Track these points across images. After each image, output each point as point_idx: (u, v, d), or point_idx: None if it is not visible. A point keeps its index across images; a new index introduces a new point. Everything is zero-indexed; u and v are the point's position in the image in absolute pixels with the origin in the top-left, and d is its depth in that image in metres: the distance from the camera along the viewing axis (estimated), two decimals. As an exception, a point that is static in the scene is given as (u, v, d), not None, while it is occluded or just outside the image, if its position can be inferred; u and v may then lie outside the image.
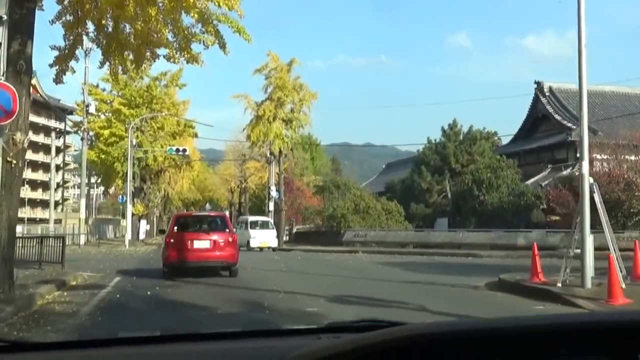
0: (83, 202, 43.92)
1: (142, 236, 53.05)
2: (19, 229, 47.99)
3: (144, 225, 53.12)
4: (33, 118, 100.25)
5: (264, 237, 38.81)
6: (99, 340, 2.35)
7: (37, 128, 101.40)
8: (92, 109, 43.11)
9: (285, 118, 44.23)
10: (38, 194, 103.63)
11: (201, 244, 17.40)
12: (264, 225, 40.31)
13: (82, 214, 43.54)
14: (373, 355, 1.51)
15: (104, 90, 47.07)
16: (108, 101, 46.62)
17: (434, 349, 1.53)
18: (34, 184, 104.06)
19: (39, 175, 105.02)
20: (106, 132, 45.10)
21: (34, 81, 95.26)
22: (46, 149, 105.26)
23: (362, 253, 35.16)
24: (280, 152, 44.70)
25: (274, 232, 39.77)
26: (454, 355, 1.54)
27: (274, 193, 48.16)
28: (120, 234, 60.80)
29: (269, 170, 49.56)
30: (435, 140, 47.66)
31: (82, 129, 43.35)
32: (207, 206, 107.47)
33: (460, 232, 36.17)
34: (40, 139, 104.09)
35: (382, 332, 1.63)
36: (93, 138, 47.06)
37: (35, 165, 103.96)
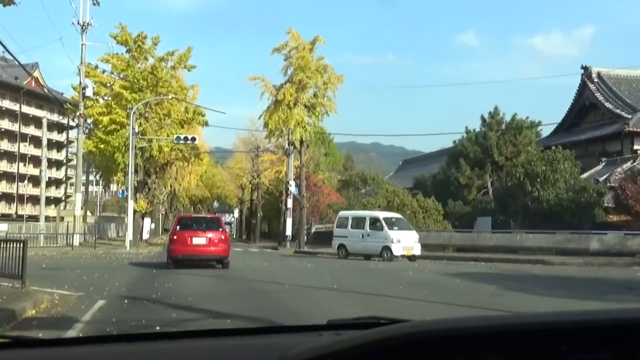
0: (79, 197, 37.97)
1: (145, 236, 47.07)
2: (4, 227, 42.42)
3: (147, 224, 47.12)
4: (35, 112, 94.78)
5: (408, 241, 27.05)
6: (102, 337, 2.29)
7: (39, 122, 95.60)
8: (89, 92, 37.12)
9: (308, 103, 38.24)
10: (38, 191, 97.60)
11: (199, 240, 20.09)
12: (401, 224, 28.42)
13: (78, 210, 37.60)
14: (374, 352, 1.46)
15: (103, 72, 41.09)
16: (108, 84, 40.61)
17: (435, 346, 1.48)
18: (36, 180, 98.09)
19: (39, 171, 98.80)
20: (105, 119, 39.07)
21: (36, 73, 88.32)
22: (49, 144, 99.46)
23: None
24: (301, 141, 38.68)
25: (415, 233, 28.05)
26: (455, 352, 1.49)
27: (292, 188, 42.15)
28: (123, 233, 54.84)
29: (287, 162, 43.50)
30: (474, 130, 41.55)
31: (78, 114, 37.44)
32: (215, 204, 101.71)
33: (518, 234, 30.17)
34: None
35: (384, 329, 1.61)
36: (91, 126, 41.12)
37: (37, 161, 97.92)
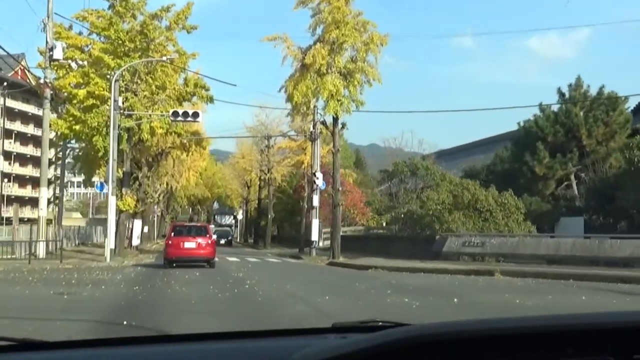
0: (44, 192, 27.90)
1: (135, 241, 37.00)
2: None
3: (138, 227, 37.02)
4: (21, 107, 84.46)
5: None
6: (107, 339, 2.25)
7: (26, 117, 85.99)
8: (57, 54, 27.05)
9: (344, 69, 28.23)
10: (27, 191, 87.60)
11: (190, 244, 22.81)
12: None
13: (43, 210, 27.50)
14: (379, 356, 1.42)
15: (80, 33, 31.05)
16: (85, 47, 30.51)
17: (440, 349, 1.43)
18: (22, 180, 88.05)
19: (28, 171, 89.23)
20: (81, 93, 29.02)
21: (22, 63, 77.23)
22: (36, 140, 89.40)
23: (502, 275, 19.32)
24: (335, 119, 28.62)
25: None
26: (460, 356, 1.44)
27: (319, 182, 32.22)
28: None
29: (312, 149, 33.47)
30: (549, 106, 31.53)
31: (42, 81, 27.47)
32: (215, 205, 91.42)
33: (666, 240, 20.27)
34: (30, 129, 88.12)
35: (388, 332, 1.55)
36: (65, 103, 31.09)
37: (23, 159, 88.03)
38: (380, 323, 2.26)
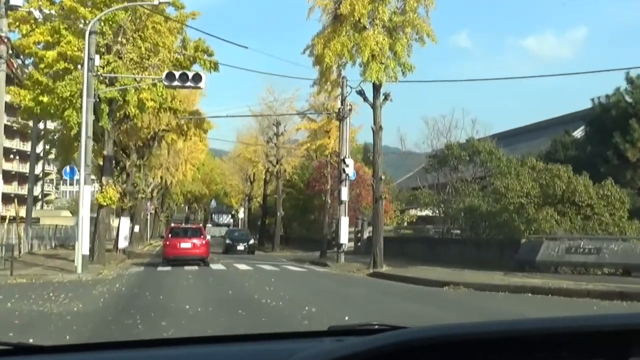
0: (-2, 181, 20.71)
1: (123, 243, 29.81)
2: None
3: (126, 226, 29.82)
4: (6, 97, 77.27)
5: None
6: (104, 343, 2.15)
7: (12, 109, 78.30)
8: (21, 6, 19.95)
9: (388, 23, 21.19)
10: (12, 188, 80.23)
11: (185, 244, 24.27)
12: None
13: (-3, 203, 20.34)
14: (375, 359, 1.40)
15: (49, -19, 23.88)
16: (54, -3, 23.36)
17: (435, 352, 1.40)
18: (7, 176, 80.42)
19: (14, 166, 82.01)
20: (50, 55, 21.92)
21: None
22: (23, 135, 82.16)
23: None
24: (377, 87, 21.53)
25: None
26: (456, 358, 1.42)
27: (349, 170, 25.30)
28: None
29: (340, 131, 26.39)
30: (637, 76, 24.66)
31: (-6, 34, 20.34)
32: (213, 203, 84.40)
33: None
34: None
35: (384, 335, 1.53)
36: (31, 67, 24.02)
37: (8, 154, 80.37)
38: (376, 326, 2.19)
